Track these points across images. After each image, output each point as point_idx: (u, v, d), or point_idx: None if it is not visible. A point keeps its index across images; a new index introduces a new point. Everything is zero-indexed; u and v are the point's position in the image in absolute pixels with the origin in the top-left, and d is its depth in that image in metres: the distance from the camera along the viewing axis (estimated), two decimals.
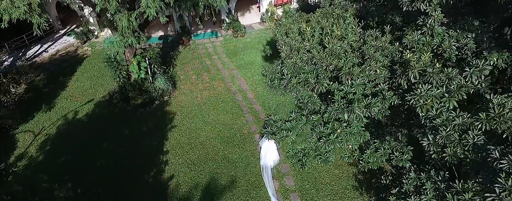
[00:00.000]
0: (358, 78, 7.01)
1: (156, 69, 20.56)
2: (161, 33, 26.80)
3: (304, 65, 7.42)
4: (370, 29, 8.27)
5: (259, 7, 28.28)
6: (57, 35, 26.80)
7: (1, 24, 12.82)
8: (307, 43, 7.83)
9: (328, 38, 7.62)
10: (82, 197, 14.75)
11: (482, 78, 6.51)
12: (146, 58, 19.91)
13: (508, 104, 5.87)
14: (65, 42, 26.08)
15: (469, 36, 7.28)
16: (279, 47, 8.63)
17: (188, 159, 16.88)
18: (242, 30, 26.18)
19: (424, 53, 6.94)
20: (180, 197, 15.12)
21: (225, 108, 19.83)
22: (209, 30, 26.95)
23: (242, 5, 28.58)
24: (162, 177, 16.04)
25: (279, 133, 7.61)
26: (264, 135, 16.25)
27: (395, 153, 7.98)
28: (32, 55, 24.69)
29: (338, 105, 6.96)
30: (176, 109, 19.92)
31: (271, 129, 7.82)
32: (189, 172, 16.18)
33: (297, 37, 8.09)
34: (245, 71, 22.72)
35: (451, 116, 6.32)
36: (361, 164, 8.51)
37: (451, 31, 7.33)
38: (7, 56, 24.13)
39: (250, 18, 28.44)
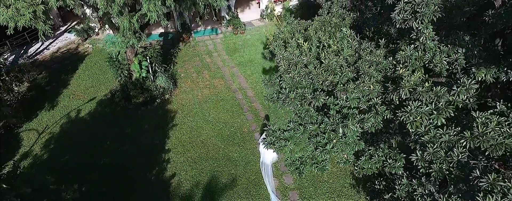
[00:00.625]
0: (352, 93, 7.34)
1: (157, 67, 20.83)
2: (161, 30, 26.94)
3: (301, 80, 7.74)
4: (366, 39, 8.53)
5: (259, 3, 28.35)
6: (58, 32, 26.92)
7: (7, 31, 13.09)
8: (304, 58, 8.14)
9: (324, 53, 7.93)
10: (86, 196, 15.20)
11: (470, 94, 6.85)
12: (147, 57, 20.17)
13: (491, 123, 6.20)
14: (66, 39, 26.25)
15: (460, 51, 7.59)
16: (278, 61, 8.94)
17: (189, 157, 17.28)
18: (242, 27, 26.32)
19: (416, 69, 7.26)
20: (182, 195, 15.55)
21: (226, 106, 20.15)
22: (209, 27, 27.10)
23: (242, 1, 28.65)
24: (164, 175, 16.46)
25: (277, 142, 7.99)
26: (264, 133, 16.72)
27: (388, 160, 8.37)
28: (34, 52, 24.88)
29: (333, 120, 7.31)
30: (177, 107, 20.24)
31: (270, 139, 8.20)
32: (191, 171, 16.59)
33: (295, 51, 8.39)
34: (245, 69, 22.97)
35: (438, 133, 6.67)
36: (356, 170, 8.92)
37: (443, 46, 7.62)
38: (8, 54, 24.36)
39: (250, 14, 28.53)
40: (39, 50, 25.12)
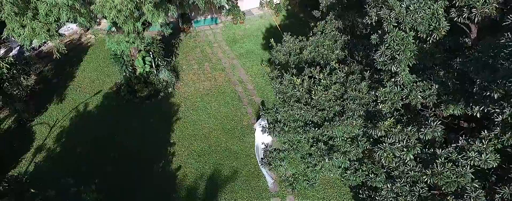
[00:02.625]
0: (338, 127, 8.40)
1: (160, 62, 21.62)
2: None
3: (295, 114, 8.77)
4: (355, 62, 9.40)
5: None
6: (59, 22, 27.24)
7: (24, 49, 13.84)
8: (297, 92, 9.11)
9: (315, 89, 8.86)
10: (99, 188, 16.52)
11: (437, 133, 7.89)
12: (150, 53, 20.93)
13: (449, 162, 7.29)
14: (69, 29, 26.71)
15: (434, 86, 8.53)
16: (275, 92, 9.92)
17: (193, 150, 18.51)
18: (241, 16, 26.74)
19: (395, 102, 8.27)
20: (187, 187, 16.90)
21: (226, 100, 21.12)
22: (209, 17, 27.52)
23: None
24: (170, 168, 17.74)
25: (273, 162, 9.13)
26: (260, 117, 17.84)
27: (371, 174, 9.55)
28: (38, 44, 25.38)
29: (320, 152, 8.44)
30: (180, 101, 21.21)
31: (267, 160, 9.34)
32: (195, 163, 17.87)
33: (289, 84, 9.35)
34: (245, 61, 23.70)
35: (406, 169, 7.80)
36: (343, 181, 10.13)
37: (419, 81, 8.58)
38: (14, 45, 24.93)
39: (249, 3, 28.74)
40: (43, 41, 25.55)
